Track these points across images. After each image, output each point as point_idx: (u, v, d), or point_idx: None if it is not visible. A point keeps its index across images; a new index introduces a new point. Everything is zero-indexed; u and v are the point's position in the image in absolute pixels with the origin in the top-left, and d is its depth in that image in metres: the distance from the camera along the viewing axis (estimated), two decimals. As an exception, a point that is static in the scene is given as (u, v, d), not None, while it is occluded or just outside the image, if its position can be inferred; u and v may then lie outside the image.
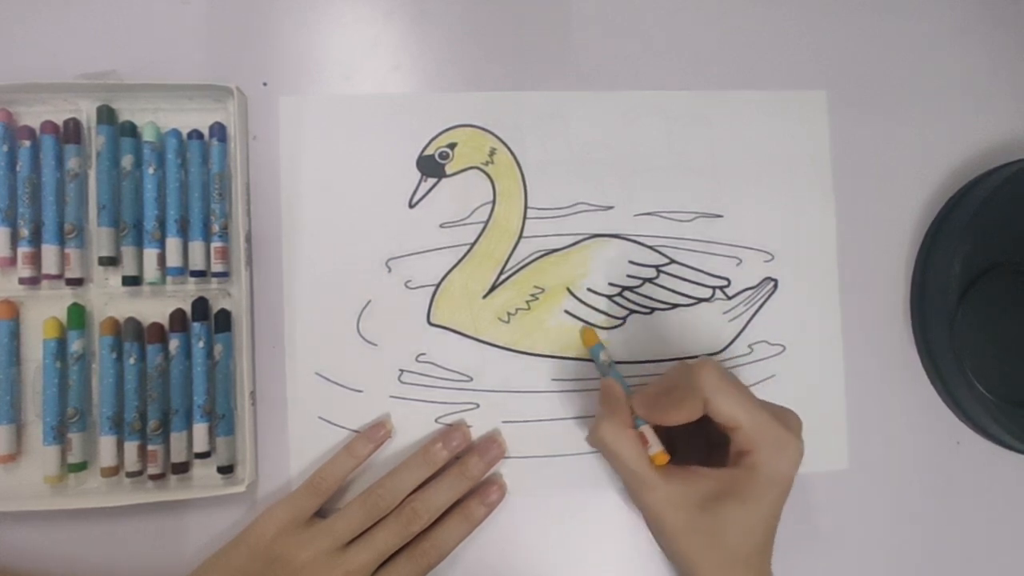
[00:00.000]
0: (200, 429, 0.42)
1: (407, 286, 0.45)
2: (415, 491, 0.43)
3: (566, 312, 0.46)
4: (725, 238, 0.47)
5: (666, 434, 0.39)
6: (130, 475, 0.42)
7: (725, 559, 0.37)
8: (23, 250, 0.42)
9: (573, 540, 0.45)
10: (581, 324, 0.46)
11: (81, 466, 0.42)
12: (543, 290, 0.46)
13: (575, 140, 0.46)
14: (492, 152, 0.46)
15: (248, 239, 0.44)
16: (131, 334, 0.42)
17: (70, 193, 0.42)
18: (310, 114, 0.45)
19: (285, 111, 0.45)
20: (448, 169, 0.46)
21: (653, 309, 0.47)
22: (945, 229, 0.48)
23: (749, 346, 0.47)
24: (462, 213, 0.46)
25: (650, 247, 0.47)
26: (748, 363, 0.47)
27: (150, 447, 0.42)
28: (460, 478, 0.43)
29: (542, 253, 0.46)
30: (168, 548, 0.43)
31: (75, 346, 0.42)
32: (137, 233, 0.43)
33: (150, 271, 0.42)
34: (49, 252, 0.42)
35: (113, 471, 0.42)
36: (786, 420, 0.38)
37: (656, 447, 0.38)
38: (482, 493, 0.44)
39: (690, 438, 0.40)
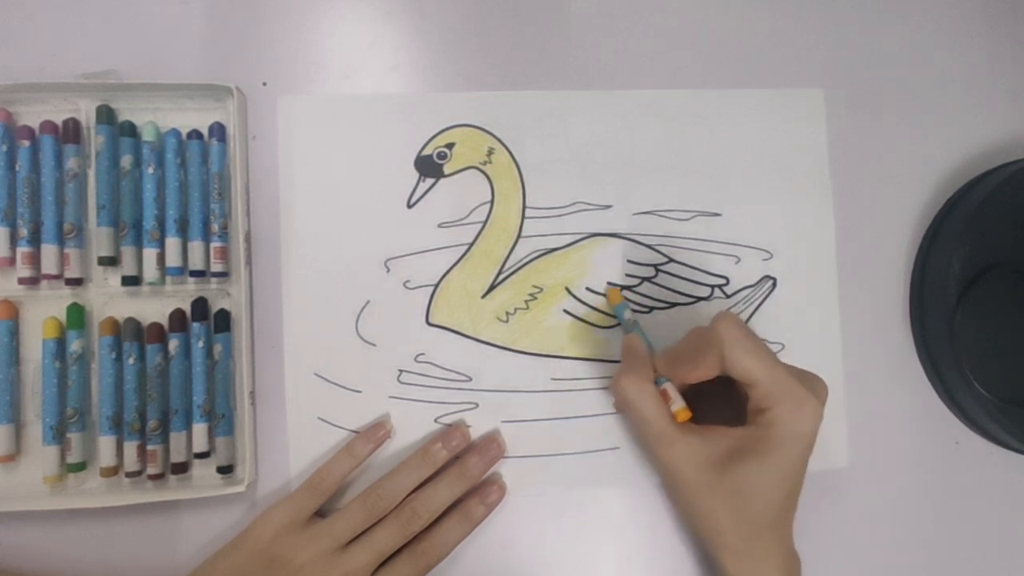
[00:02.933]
0: (199, 429, 0.42)
1: (406, 286, 0.45)
2: (415, 491, 0.43)
3: (565, 311, 0.46)
4: (724, 236, 0.47)
5: (692, 403, 0.39)
6: (129, 475, 0.42)
7: (743, 519, 0.37)
8: (22, 250, 0.42)
9: (573, 540, 0.45)
10: (580, 323, 0.46)
11: (80, 466, 0.42)
12: (542, 289, 0.46)
13: (573, 139, 0.46)
14: (490, 152, 0.46)
15: (247, 239, 0.44)
16: (130, 334, 0.42)
17: (69, 193, 0.42)
18: (308, 114, 0.45)
19: (283, 111, 0.45)
20: (446, 169, 0.46)
21: (652, 308, 0.47)
22: (944, 228, 0.48)
23: (748, 345, 0.47)
24: (460, 213, 0.46)
25: (649, 246, 0.47)
26: (747, 362, 0.47)
27: (149, 447, 0.42)
28: (459, 478, 0.43)
29: (541, 253, 0.46)
30: (167, 548, 0.43)
31: (74, 346, 0.42)
32: (136, 233, 0.43)
33: (149, 271, 0.42)
34: (48, 252, 0.42)
35: (112, 471, 0.42)
36: (808, 381, 0.38)
37: (678, 403, 0.39)
38: (482, 493, 0.44)
39: (716, 408, 0.40)
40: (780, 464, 0.37)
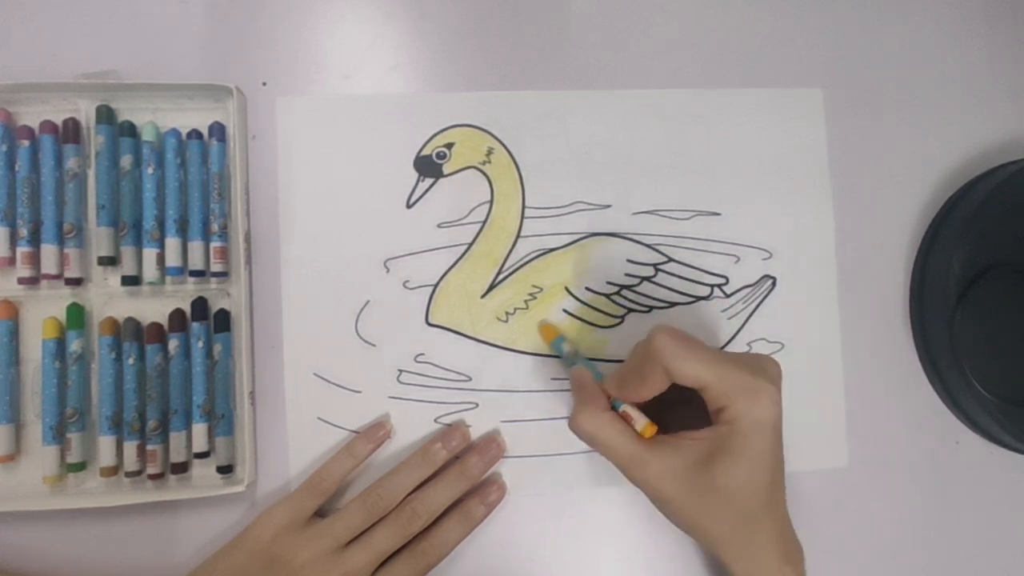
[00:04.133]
0: (199, 429, 0.42)
1: (405, 286, 0.45)
2: (414, 491, 0.43)
3: (564, 311, 0.46)
4: (723, 236, 0.47)
5: (659, 413, 0.39)
6: (129, 475, 0.42)
7: (733, 515, 0.37)
8: (22, 250, 0.42)
9: (572, 539, 0.45)
10: (580, 323, 0.46)
11: (80, 466, 0.42)
12: (541, 289, 0.46)
13: (573, 139, 0.46)
14: (489, 152, 0.46)
15: (247, 239, 0.44)
16: (130, 334, 0.42)
17: (69, 193, 0.42)
18: (307, 114, 0.45)
19: (282, 111, 0.45)
20: (446, 169, 0.46)
21: (652, 308, 0.47)
22: (944, 228, 0.48)
23: (748, 344, 0.47)
24: (460, 213, 0.46)
25: (648, 246, 0.47)
26: (747, 362, 0.47)
27: (149, 447, 0.42)
28: (459, 478, 0.43)
29: (540, 252, 0.46)
30: (167, 548, 0.43)
31: (74, 346, 0.42)
32: (136, 233, 0.43)
33: (149, 271, 0.42)
34: (48, 252, 0.42)
35: (112, 471, 0.42)
36: (757, 367, 0.38)
37: (641, 421, 0.38)
38: (481, 493, 0.44)
39: (684, 412, 0.40)
40: (752, 456, 0.36)
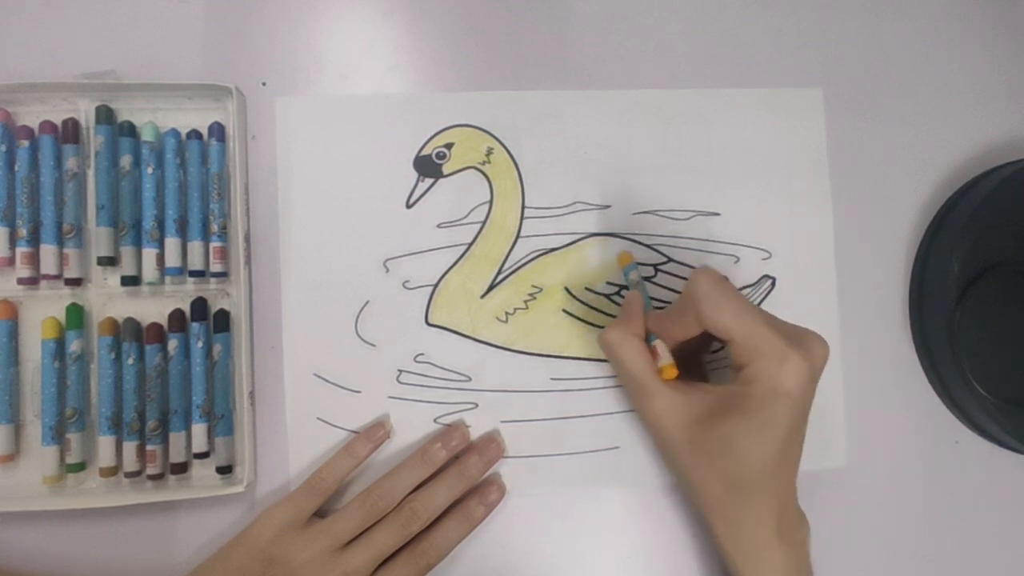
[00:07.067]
0: (199, 429, 0.42)
1: (405, 286, 0.45)
2: (414, 491, 0.43)
3: (564, 311, 0.46)
4: (723, 236, 0.47)
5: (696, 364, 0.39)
6: (129, 475, 0.42)
7: (726, 479, 0.36)
8: (21, 250, 0.42)
9: (573, 539, 0.45)
10: (580, 323, 0.46)
11: (80, 466, 0.42)
12: (541, 289, 0.46)
13: (572, 139, 0.46)
14: (489, 152, 0.46)
15: (247, 239, 0.44)
16: (130, 334, 0.42)
17: (68, 193, 0.42)
18: (307, 114, 0.45)
19: (281, 112, 0.45)
20: (445, 169, 0.46)
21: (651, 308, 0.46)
22: (944, 229, 0.48)
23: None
24: (459, 213, 0.46)
25: (648, 246, 0.47)
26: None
27: (149, 447, 0.42)
28: (459, 478, 0.43)
29: (540, 252, 0.46)
30: (166, 548, 0.43)
31: (74, 346, 0.42)
32: (136, 233, 0.43)
33: (149, 271, 0.42)
34: (47, 252, 0.42)
35: (112, 471, 0.42)
36: (796, 337, 0.36)
37: (665, 359, 0.38)
38: (481, 493, 0.44)
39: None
40: (763, 422, 0.35)
